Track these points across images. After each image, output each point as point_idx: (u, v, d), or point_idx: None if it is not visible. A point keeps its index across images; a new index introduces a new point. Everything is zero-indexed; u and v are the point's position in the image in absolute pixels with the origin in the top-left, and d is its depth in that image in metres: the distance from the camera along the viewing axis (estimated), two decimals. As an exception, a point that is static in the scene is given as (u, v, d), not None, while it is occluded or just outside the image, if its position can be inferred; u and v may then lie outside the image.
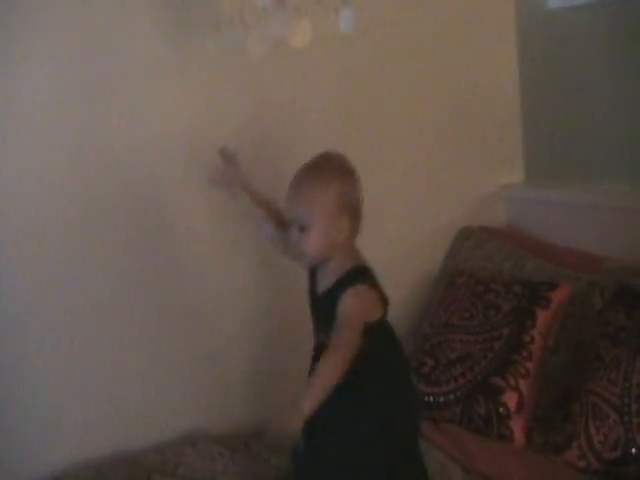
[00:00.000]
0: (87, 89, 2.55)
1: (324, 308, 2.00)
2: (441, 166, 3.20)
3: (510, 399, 2.52)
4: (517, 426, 2.49)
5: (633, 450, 2.18)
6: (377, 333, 2.02)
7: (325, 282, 2.05)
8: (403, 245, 3.12)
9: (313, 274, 2.13)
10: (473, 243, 3.12)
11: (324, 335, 1.97)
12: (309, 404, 1.80)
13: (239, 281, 2.85)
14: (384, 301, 2.06)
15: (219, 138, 2.49)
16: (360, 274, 2.03)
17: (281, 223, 2.20)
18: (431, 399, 2.67)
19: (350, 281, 1.99)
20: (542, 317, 2.64)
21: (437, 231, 3.21)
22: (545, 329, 2.64)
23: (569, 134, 3.23)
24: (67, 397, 2.61)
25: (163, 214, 2.71)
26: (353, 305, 1.95)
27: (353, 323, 1.92)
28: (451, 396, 2.63)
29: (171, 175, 2.71)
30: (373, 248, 2.99)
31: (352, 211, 2.05)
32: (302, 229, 1.99)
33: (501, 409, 2.51)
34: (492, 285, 2.82)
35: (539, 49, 3.28)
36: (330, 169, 2.04)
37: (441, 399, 2.65)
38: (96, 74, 2.55)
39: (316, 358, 2.01)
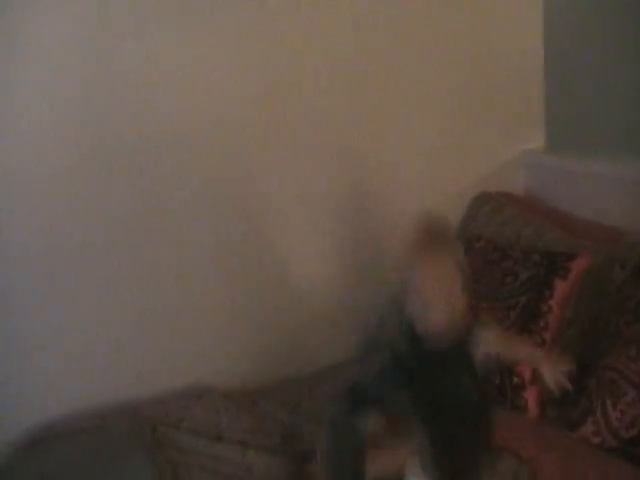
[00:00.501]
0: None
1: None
2: (460, 130, 3.15)
3: (525, 369, 2.46)
4: (531, 397, 2.45)
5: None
6: None
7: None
8: (419, 208, 3.05)
9: None
10: (491, 208, 3.07)
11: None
12: None
13: (237, 233, 2.81)
14: None
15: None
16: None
17: None
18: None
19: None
20: (560, 287, 2.59)
21: (455, 195, 3.15)
22: (563, 300, 2.59)
23: (592, 101, 3.16)
24: (73, 347, 2.59)
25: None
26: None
27: None
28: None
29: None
30: (390, 211, 3.00)
31: None
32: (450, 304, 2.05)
33: (516, 379, 2.47)
34: (510, 252, 2.77)
35: (565, 13, 3.21)
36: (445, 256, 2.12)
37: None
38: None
39: None
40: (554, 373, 2.00)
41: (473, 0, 3.10)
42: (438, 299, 2.01)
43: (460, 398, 2.06)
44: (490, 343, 2.08)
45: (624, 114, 3.05)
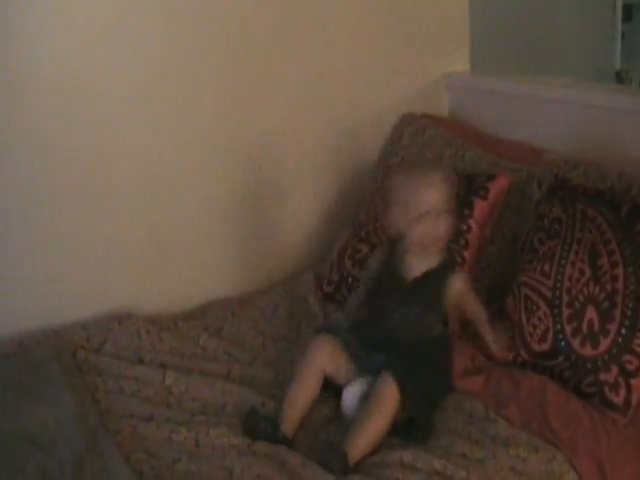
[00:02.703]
0: None
1: (426, 285, 2.22)
2: (384, 51, 3.12)
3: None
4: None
5: (562, 343, 2.18)
6: None
7: (421, 265, 2.23)
8: (344, 130, 3.08)
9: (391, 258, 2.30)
10: (414, 130, 3.06)
11: (416, 308, 2.20)
12: None
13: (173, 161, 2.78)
14: None
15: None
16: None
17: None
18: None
19: (454, 266, 2.37)
20: (480, 207, 2.61)
21: (380, 117, 3.14)
22: (483, 219, 2.62)
23: (516, 24, 3.17)
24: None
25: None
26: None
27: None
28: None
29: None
30: (313, 131, 2.99)
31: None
32: (438, 215, 2.17)
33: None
34: (428, 173, 2.77)
35: None
36: (437, 165, 2.43)
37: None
38: None
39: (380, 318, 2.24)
40: (499, 343, 2.24)
41: None
42: (432, 214, 2.17)
43: (424, 331, 2.21)
44: (455, 290, 2.24)
45: (547, 37, 3.06)
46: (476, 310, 2.27)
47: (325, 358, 2.18)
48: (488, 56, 3.30)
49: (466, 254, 2.57)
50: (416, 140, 3.02)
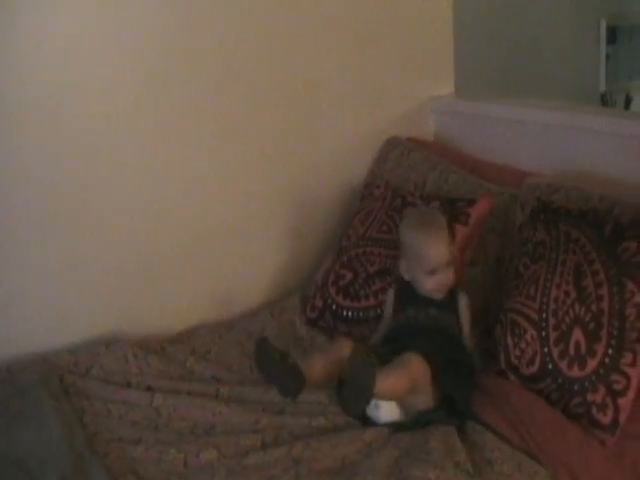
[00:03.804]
0: None
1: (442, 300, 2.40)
2: (369, 75, 3.15)
3: (431, 314, 2.53)
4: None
5: (550, 365, 2.18)
6: None
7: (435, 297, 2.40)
8: (329, 153, 3.11)
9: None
10: (399, 153, 3.09)
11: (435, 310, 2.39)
12: None
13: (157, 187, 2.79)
14: None
15: None
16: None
17: None
18: (349, 314, 2.67)
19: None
20: (460, 232, 2.62)
21: (364, 141, 3.18)
22: (464, 244, 2.63)
23: (501, 47, 3.21)
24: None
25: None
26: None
27: None
28: (371, 312, 2.64)
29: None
30: (298, 154, 3.01)
31: None
32: (448, 265, 2.35)
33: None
34: (410, 199, 2.79)
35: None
36: (440, 217, 2.46)
37: (361, 314, 2.65)
38: None
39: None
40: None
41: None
42: (443, 268, 2.34)
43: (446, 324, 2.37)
44: (463, 306, 2.41)
45: (532, 61, 3.09)
46: (466, 326, 2.41)
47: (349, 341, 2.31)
48: (473, 79, 3.33)
49: (448, 282, 2.58)
50: (401, 163, 3.04)
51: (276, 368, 2.17)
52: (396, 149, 3.11)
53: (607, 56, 4.59)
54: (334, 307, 2.71)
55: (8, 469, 2.02)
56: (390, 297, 2.52)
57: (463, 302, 2.41)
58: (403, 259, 2.44)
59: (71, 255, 2.65)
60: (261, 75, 2.89)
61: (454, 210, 2.66)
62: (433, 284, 2.36)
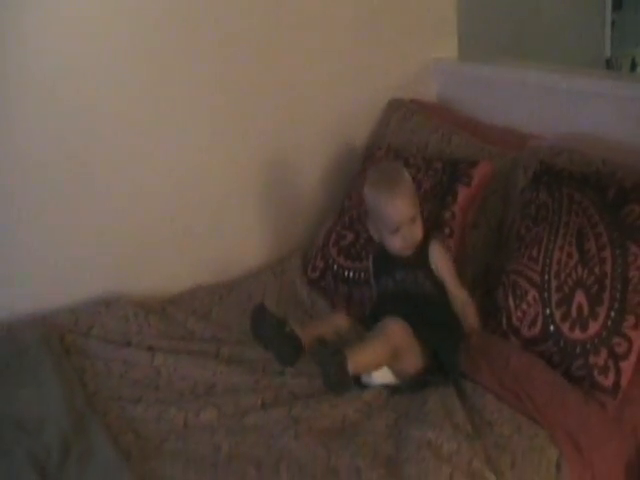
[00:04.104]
0: None
1: (418, 256, 2.32)
2: (371, 38, 3.12)
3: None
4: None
5: (551, 327, 2.18)
6: None
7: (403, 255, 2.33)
8: (332, 116, 3.08)
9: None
10: (402, 115, 3.06)
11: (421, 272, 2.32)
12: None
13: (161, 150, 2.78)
14: None
15: None
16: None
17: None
18: (350, 274, 2.67)
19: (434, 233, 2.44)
20: (463, 194, 2.61)
21: (367, 103, 3.15)
22: (466, 205, 2.61)
23: (505, 11, 3.17)
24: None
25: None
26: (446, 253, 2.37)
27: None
28: (373, 273, 2.62)
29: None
30: (301, 117, 2.99)
31: None
32: (413, 221, 2.27)
33: (422, 286, 2.51)
34: (412, 160, 2.77)
35: None
36: (399, 171, 2.36)
37: (362, 275, 2.64)
38: None
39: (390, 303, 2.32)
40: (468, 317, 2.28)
41: None
42: (406, 224, 2.26)
43: (418, 288, 2.31)
44: (435, 256, 2.32)
45: (534, 24, 3.06)
46: (446, 277, 2.32)
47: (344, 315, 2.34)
48: (476, 42, 3.30)
49: (451, 242, 2.56)
50: (403, 126, 3.02)
51: (273, 336, 2.15)
52: (398, 111, 3.09)
53: (613, 22, 4.56)
54: (335, 267, 2.70)
55: (8, 427, 2.03)
56: (370, 266, 2.50)
57: (435, 254, 2.31)
58: (370, 220, 2.38)
59: (71, 221, 2.65)
60: (260, 38, 2.87)
61: (456, 171, 2.65)
62: (399, 242, 2.29)
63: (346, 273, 2.68)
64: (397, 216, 2.25)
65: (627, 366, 2.09)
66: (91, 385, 2.21)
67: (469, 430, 1.95)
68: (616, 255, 2.16)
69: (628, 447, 2.02)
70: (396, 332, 2.11)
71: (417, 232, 2.29)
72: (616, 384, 2.07)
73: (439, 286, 2.31)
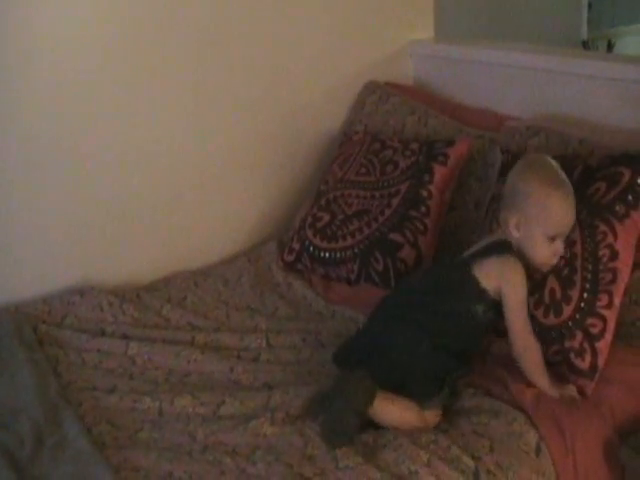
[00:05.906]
0: None
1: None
2: (347, 19, 3.09)
3: (408, 255, 2.50)
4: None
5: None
6: None
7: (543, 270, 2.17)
8: (307, 98, 3.05)
9: None
10: (377, 98, 3.04)
11: None
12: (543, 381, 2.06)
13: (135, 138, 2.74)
14: None
15: None
16: None
17: None
18: (327, 255, 2.64)
19: None
20: (440, 173, 2.60)
21: (341, 86, 3.12)
22: (443, 184, 2.60)
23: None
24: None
25: None
26: None
27: None
28: (348, 252, 2.60)
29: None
30: (275, 99, 2.96)
31: None
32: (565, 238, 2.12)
33: (399, 265, 2.50)
34: (389, 142, 2.76)
35: None
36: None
37: (338, 255, 2.62)
38: None
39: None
40: None
41: None
42: (562, 237, 2.10)
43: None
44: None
45: (513, 4, 3.05)
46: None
47: None
48: (453, 24, 3.29)
49: (427, 221, 2.55)
50: (379, 108, 3.00)
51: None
52: (374, 94, 3.07)
53: (589, 4, 4.56)
54: (311, 249, 2.68)
55: (-19, 418, 2.00)
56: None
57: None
58: (514, 212, 2.11)
59: (43, 206, 2.60)
60: (237, 23, 2.84)
61: (432, 151, 2.64)
62: (551, 252, 2.10)
63: (322, 254, 2.65)
64: (567, 221, 2.09)
65: (603, 346, 2.07)
66: (65, 375, 2.18)
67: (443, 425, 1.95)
68: (585, 235, 2.14)
69: (606, 427, 2.01)
70: (430, 424, 1.98)
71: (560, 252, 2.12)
72: (593, 365, 2.05)
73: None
